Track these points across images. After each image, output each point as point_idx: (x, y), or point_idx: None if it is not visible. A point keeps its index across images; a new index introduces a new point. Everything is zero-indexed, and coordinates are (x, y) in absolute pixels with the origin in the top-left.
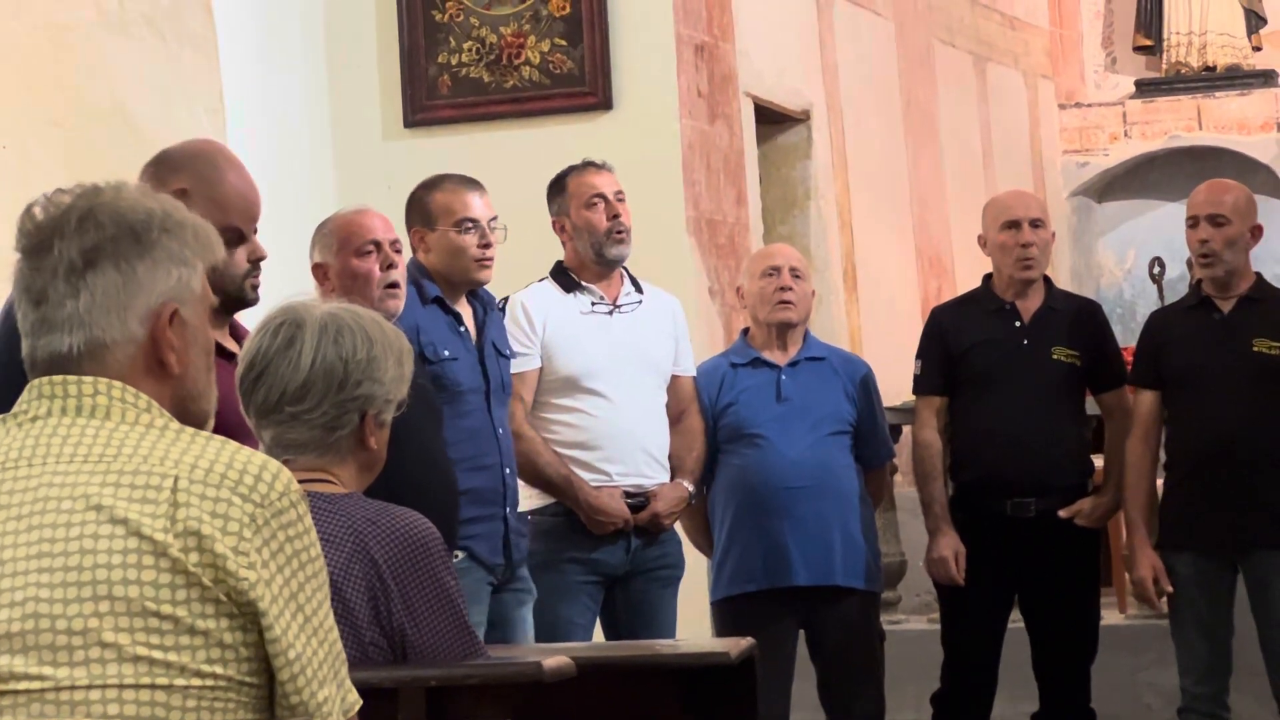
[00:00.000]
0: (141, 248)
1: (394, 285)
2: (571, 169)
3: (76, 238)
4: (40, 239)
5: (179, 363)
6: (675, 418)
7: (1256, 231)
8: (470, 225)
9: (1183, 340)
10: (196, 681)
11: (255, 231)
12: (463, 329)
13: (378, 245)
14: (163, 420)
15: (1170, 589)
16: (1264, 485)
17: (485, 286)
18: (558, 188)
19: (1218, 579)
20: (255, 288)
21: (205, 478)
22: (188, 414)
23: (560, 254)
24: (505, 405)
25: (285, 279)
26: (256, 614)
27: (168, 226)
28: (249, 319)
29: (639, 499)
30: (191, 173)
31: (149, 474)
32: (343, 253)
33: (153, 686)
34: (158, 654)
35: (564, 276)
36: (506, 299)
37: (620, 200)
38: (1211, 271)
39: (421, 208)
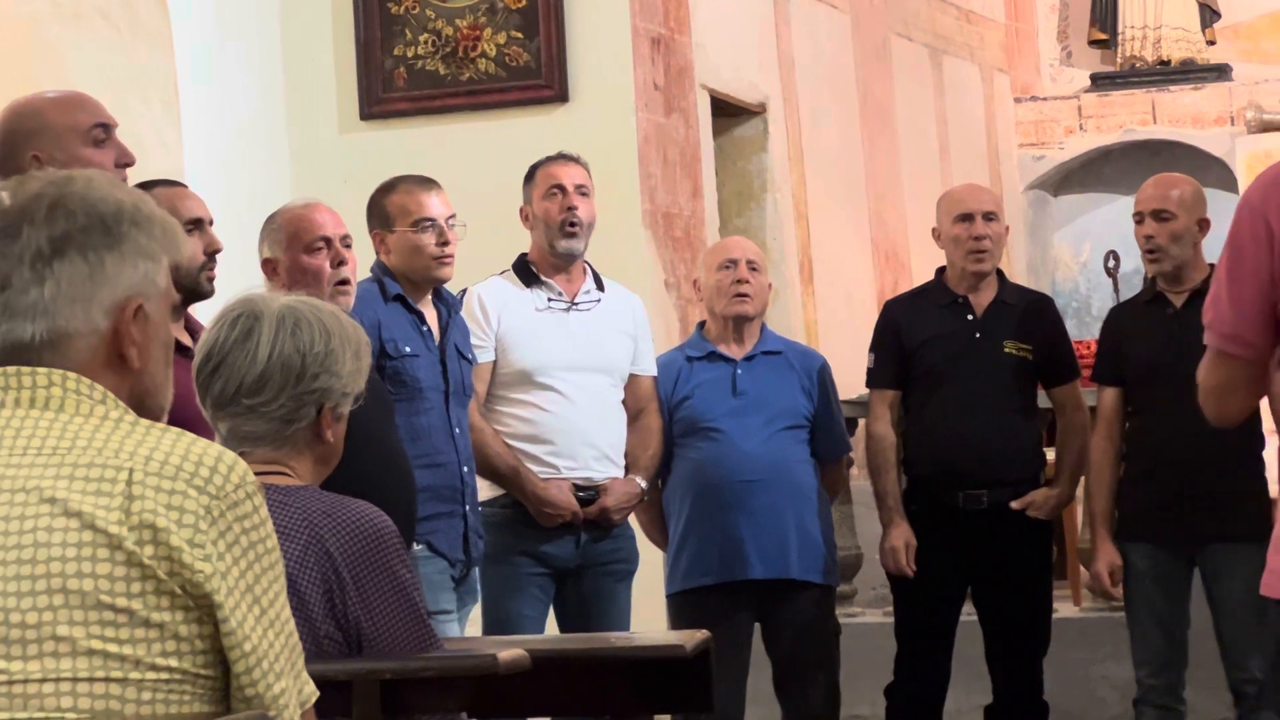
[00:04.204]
0: (111, 239)
1: (344, 282)
2: (545, 159)
3: (46, 225)
4: (8, 223)
5: (139, 357)
6: (633, 416)
7: (1204, 225)
8: (427, 224)
9: (1139, 336)
10: (151, 675)
11: (211, 223)
12: (425, 328)
13: (328, 241)
14: (117, 412)
15: (1119, 587)
16: (1221, 479)
17: (446, 284)
18: (529, 177)
19: (1174, 572)
20: (211, 280)
21: (160, 470)
22: (144, 408)
23: (514, 247)
24: (465, 406)
25: (241, 272)
26: (212, 606)
27: (137, 220)
28: (205, 312)
29: (590, 493)
30: (27, 141)
31: (103, 466)
32: (292, 249)
33: (107, 680)
34: (112, 647)
35: (525, 270)
36: (465, 290)
37: (582, 194)
38: (1158, 266)
39: (379, 210)
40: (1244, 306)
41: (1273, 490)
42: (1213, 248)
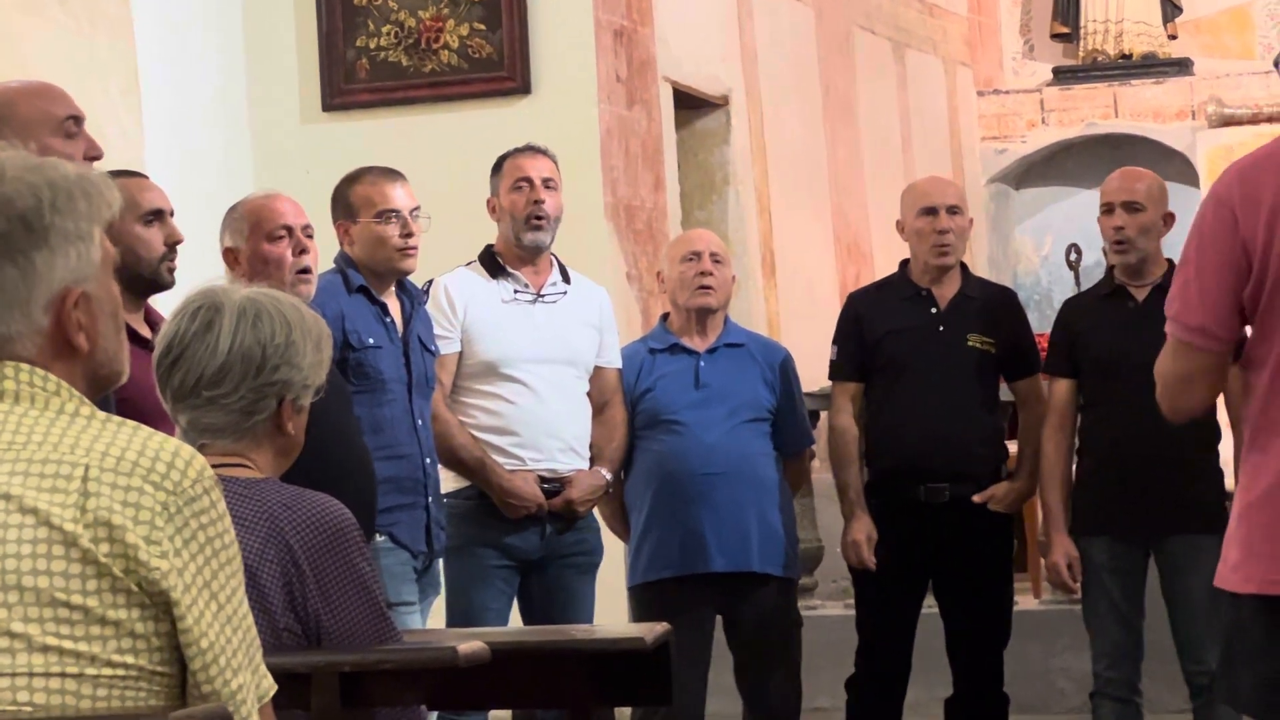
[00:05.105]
0: (36, 237)
1: (305, 271)
2: (513, 150)
3: None
4: None
5: (88, 339)
6: (598, 408)
7: (1169, 219)
8: (392, 216)
9: (1097, 329)
10: (107, 671)
11: (171, 214)
12: (388, 320)
13: (289, 230)
14: (73, 404)
15: (1080, 579)
16: (1178, 472)
17: (410, 275)
18: (497, 168)
19: (1131, 564)
20: (171, 271)
21: (116, 466)
22: (100, 378)
23: (477, 238)
24: (427, 398)
25: (202, 263)
26: (169, 603)
27: (58, 205)
28: (166, 303)
29: (555, 485)
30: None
31: (59, 463)
32: (254, 237)
33: (63, 675)
34: (68, 644)
35: (491, 261)
36: (431, 281)
37: (549, 187)
38: (1125, 258)
39: (344, 201)
40: (1210, 298)
41: (1228, 483)
42: (1174, 243)
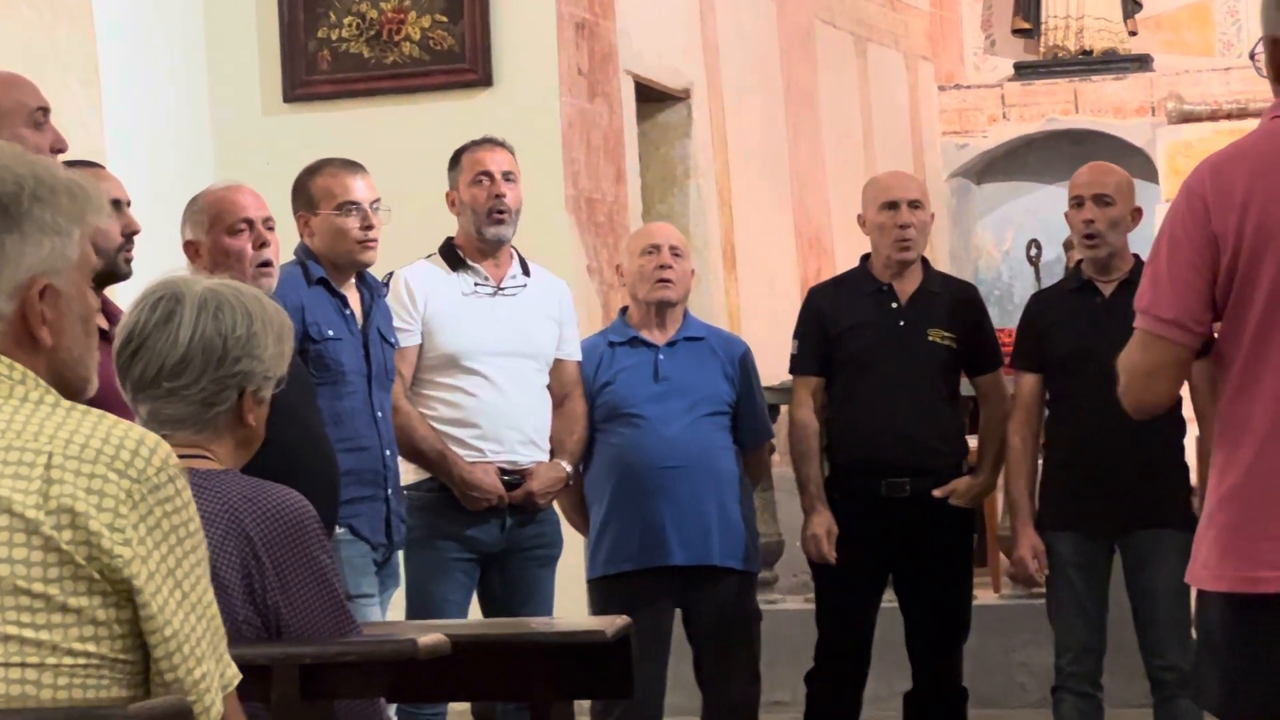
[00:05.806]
0: (9, 220)
1: (267, 264)
2: (470, 143)
3: None
4: None
5: (52, 335)
6: (558, 400)
7: (1136, 214)
8: (351, 208)
9: (1065, 324)
10: (68, 660)
11: (129, 205)
12: (348, 312)
13: (250, 223)
14: (38, 393)
15: (1047, 571)
16: (1144, 467)
17: (370, 268)
18: (454, 161)
19: (1095, 559)
20: (129, 261)
21: (80, 453)
22: (65, 381)
23: (437, 231)
24: (387, 390)
25: (163, 254)
26: (131, 591)
27: (39, 195)
28: (125, 294)
29: (515, 477)
30: None
31: (22, 450)
32: (214, 230)
33: (23, 665)
34: (28, 633)
35: (451, 254)
36: (391, 274)
37: (509, 181)
38: (1095, 252)
39: (304, 192)
40: (1182, 291)
41: (1193, 478)
42: (1134, 238)
